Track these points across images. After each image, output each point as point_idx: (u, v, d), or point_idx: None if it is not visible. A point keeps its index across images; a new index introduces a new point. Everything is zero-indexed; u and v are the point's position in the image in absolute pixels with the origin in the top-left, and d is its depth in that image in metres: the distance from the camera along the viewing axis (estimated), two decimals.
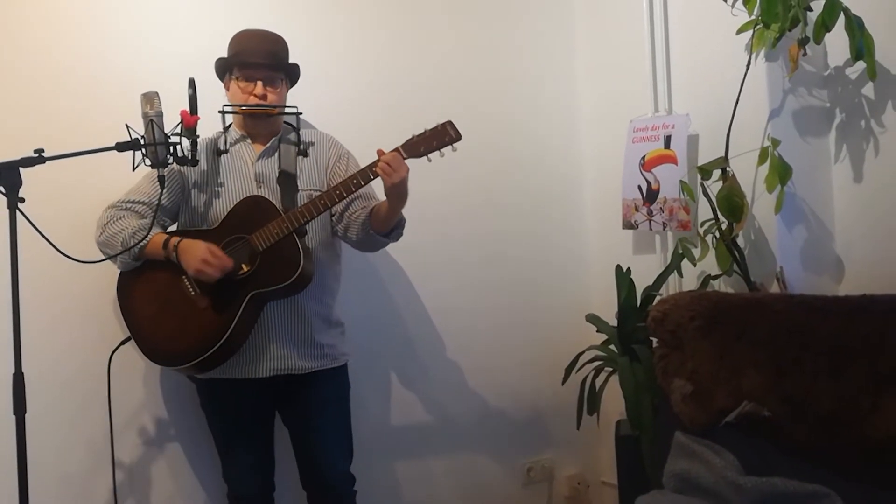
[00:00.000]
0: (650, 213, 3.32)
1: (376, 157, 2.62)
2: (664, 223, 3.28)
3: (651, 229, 3.35)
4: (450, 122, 2.69)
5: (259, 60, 2.71)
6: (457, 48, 3.59)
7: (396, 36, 3.46)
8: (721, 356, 2.60)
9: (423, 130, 2.68)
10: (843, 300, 2.56)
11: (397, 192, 2.60)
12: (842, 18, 2.71)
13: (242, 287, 2.57)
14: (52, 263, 2.39)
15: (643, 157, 3.35)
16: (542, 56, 3.81)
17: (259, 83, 2.72)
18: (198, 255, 2.53)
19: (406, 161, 2.62)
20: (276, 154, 2.79)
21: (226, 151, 2.77)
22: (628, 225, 3.44)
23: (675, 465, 2.54)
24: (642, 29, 3.49)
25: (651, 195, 3.32)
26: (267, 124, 2.80)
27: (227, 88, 2.79)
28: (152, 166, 2.37)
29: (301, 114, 2.83)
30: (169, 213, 2.73)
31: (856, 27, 2.72)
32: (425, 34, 3.52)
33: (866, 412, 2.35)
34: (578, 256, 3.86)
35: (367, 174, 2.62)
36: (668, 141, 3.27)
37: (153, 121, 2.32)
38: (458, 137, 2.68)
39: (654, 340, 2.85)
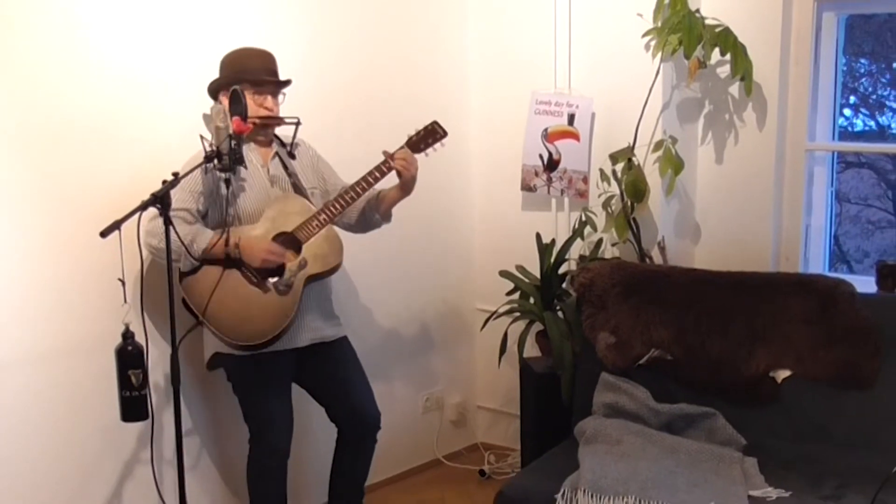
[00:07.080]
0: (549, 181, 3.94)
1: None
2: (562, 190, 3.91)
3: (549, 194, 3.96)
4: (436, 122, 3.16)
5: (271, 78, 3.02)
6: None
7: (304, 20, 3.61)
8: (638, 315, 3.34)
9: (416, 130, 3.13)
10: (728, 275, 3.35)
11: (412, 184, 3.08)
12: None
13: (293, 274, 2.92)
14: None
15: (546, 130, 3.91)
16: (434, 24, 4.09)
17: (269, 97, 3.01)
18: (261, 250, 2.88)
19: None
20: (278, 157, 3.12)
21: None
22: (527, 188, 4.01)
23: (604, 398, 3.28)
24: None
25: (552, 165, 3.92)
26: (269, 131, 3.11)
27: (224, 98, 2.95)
28: (221, 170, 2.67)
29: (301, 124, 3.10)
30: (202, 216, 2.99)
31: (741, 53, 3.43)
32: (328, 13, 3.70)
33: (744, 358, 3.21)
34: (464, 213, 4.32)
35: (382, 169, 3.04)
36: (571, 119, 3.84)
37: (230, 136, 2.60)
38: (445, 134, 3.16)
39: (574, 297, 3.53)
